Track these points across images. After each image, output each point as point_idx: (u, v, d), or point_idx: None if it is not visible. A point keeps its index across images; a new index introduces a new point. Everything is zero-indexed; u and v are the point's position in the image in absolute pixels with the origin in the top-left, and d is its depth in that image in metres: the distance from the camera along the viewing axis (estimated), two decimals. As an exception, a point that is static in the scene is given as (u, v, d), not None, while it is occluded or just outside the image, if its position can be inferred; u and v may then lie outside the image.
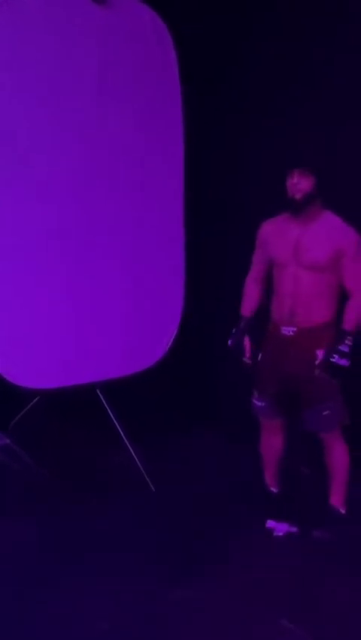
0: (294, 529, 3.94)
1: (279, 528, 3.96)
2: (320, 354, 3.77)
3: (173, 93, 4.63)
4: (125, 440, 4.46)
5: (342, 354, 3.70)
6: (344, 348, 3.70)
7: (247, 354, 3.98)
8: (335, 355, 3.71)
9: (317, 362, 3.76)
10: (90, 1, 4.23)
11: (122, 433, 4.47)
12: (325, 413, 3.81)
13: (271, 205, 4.30)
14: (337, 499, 3.95)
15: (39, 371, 4.24)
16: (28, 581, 3.48)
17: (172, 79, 4.61)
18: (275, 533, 3.94)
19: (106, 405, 4.47)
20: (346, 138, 4.43)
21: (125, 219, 4.49)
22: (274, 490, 4.13)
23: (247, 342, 3.99)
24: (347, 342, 3.71)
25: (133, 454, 4.44)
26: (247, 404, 4.10)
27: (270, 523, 3.99)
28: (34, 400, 4.72)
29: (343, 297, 3.82)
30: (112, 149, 4.39)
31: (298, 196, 3.72)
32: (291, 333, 3.82)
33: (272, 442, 4.07)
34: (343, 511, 3.95)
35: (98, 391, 4.48)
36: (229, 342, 4.03)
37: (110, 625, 3.19)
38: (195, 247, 4.76)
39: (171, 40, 4.57)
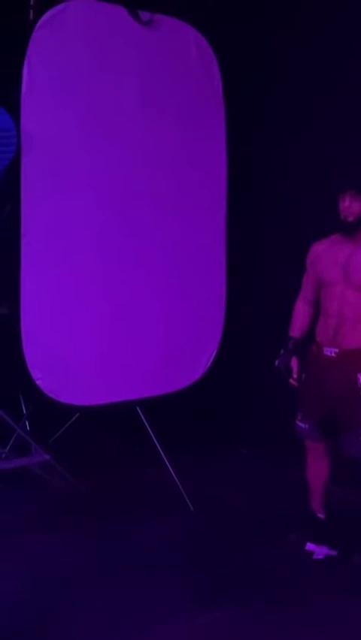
0: (334, 553, 3.91)
1: (319, 551, 3.93)
2: (360, 377, 3.75)
3: (217, 114, 4.68)
4: (165, 458, 4.47)
5: None
6: None
7: (295, 375, 3.96)
8: None
9: (359, 384, 3.74)
10: (133, 19, 4.30)
11: (161, 451, 4.48)
12: None
13: (313, 221, 4.35)
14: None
15: (80, 388, 4.29)
16: (61, 598, 3.48)
17: (216, 96, 4.67)
18: (315, 556, 3.92)
19: (145, 422, 4.48)
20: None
21: (168, 234, 4.54)
22: (320, 516, 4.07)
23: (294, 363, 3.98)
24: None
25: (172, 473, 4.45)
26: (281, 419, 4.09)
27: (310, 546, 3.96)
28: (75, 417, 4.74)
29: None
30: (154, 162, 4.44)
31: (350, 219, 3.75)
32: (333, 354, 3.81)
33: (317, 467, 4.02)
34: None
35: (138, 408, 4.49)
36: (277, 362, 4.00)
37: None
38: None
39: (215, 60, 4.63)
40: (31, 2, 4.41)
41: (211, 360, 4.72)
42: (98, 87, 4.19)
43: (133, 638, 3.20)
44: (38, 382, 4.10)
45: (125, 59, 4.26)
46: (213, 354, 4.73)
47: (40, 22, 3.96)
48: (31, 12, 4.32)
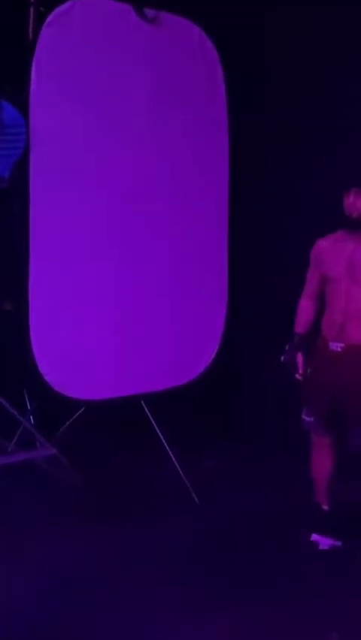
0: (338, 544, 3.97)
1: (323, 542, 3.99)
2: (366, 371, 3.81)
3: (219, 110, 4.73)
4: (170, 452, 4.52)
5: None
6: None
7: (300, 371, 4.02)
8: None
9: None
10: (138, 18, 4.33)
11: (166, 445, 4.53)
12: None
13: (316, 217, 4.41)
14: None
15: (86, 382, 4.33)
16: (64, 595, 3.46)
17: (219, 98, 4.72)
18: (320, 547, 3.98)
19: (150, 416, 4.53)
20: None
21: (172, 230, 4.59)
22: (325, 507, 4.11)
23: (300, 358, 4.02)
24: None
25: (177, 466, 4.50)
26: (284, 413, 4.14)
27: (314, 537, 4.02)
28: (80, 411, 4.77)
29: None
30: (159, 157, 4.49)
31: (355, 215, 3.79)
32: (339, 349, 3.86)
33: (322, 459, 4.06)
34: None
35: (142, 403, 4.54)
36: (282, 357, 4.05)
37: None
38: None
39: (217, 57, 4.68)
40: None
41: (214, 354, 4.76)
42: (106, 84, 4.23)
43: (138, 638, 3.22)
44: (46, 377, 4.13)
45: (131, 56, 4.30)
46: (216, 348, 4.77)
47: (48, 19, 4.01)
48: (37, 10, 4.33)
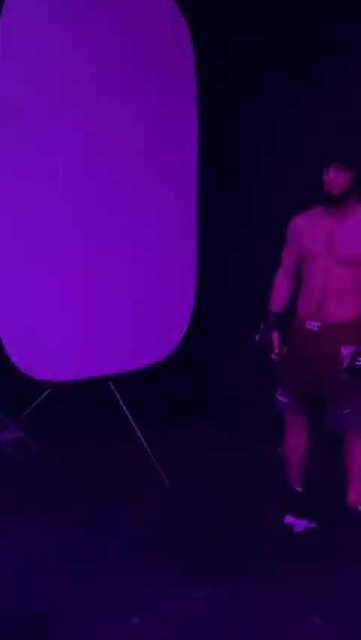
0: (313, 525, 3.93)
1: (298, 524, 3.95)
2: (344, 350, 3.73)
3: (188, 85, 4.61)
4: (139, 434, 4.42)
5: None
6: None
7: (276, 350, 3.94)
8: (359, 358, 3.67)
9: (342, 358, 3.74)
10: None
11: (135, 427, 4.43)
12: (346, 411, 3.77)
13: (283, 199, 4.33)
14: (355, 498, 3.95)
15: (52, 364, 4.19)
16: (43, 580, 3.40)
17: (188, 70, 4.59)
18: (295, 529, 3.93)
19: (119, 398, 4.43)
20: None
21: (139, 209, 4.45)
22: (298, 489, 4.08)
23: (275, 338, 3.95)
24: None
25: (147, 448, 4.41)
26: (254, 393, 4.08)
27: (289, 519, 3.97)
28: (46, 392, 4.65)
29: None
30: (126, 140, 4.35)
31: (335, 191, 3.68)
32: (316, 328, 3.79)
33: (296, 440, 4.03)
34: (361, 509, 3.95)
35: (110, 384, 4.43)
36: (257, 337, 3.97)
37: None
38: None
39: (187, 30, 4.56)
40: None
41: (182, 334, 4.67)
42: (73, 52, 4.05)
43: (121, 620, 3.15)
44: (13, 358, 3.98)
45: (100, 25, 4.13)
46: (184, 328, 4.69)
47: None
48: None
